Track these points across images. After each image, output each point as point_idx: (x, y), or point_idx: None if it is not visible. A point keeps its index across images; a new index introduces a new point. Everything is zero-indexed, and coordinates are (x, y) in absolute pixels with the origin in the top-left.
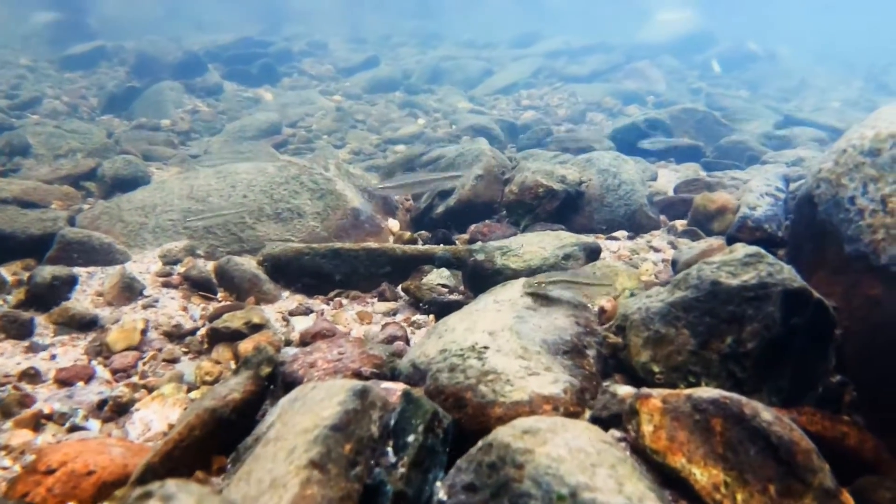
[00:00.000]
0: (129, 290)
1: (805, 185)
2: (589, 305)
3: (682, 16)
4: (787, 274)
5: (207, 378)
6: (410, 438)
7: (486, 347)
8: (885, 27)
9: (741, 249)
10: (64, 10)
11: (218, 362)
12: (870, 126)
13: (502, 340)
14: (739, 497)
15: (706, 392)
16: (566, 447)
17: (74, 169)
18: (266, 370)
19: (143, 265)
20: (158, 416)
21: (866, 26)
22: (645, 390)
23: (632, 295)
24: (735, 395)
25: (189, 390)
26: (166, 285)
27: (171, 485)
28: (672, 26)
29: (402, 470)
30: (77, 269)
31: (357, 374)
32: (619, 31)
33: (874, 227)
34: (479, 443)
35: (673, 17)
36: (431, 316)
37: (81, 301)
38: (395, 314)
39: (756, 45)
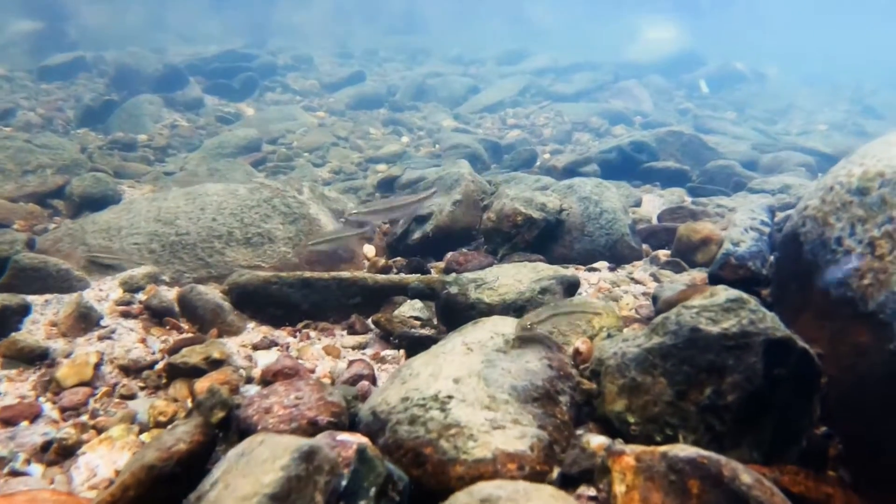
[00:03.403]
0: (84, 320)
1: (791, 222)
2: (563, 346)
3: (670, 35)
4: (771, 322)
5: (161, 418)
6: None
7: (449, 397)
8: (872, 50)
9: (722, 293)
10: (44, 19)
11: (175, 400)
12: (857, 163)
13: (468, 388)
14: None
15: (683, 450)
16: None
17: (41, 186)
18: (219, 414)
19: (103, 292)
20: (105, 461)
21: (853, 49)
22: (618, 447)
23: (608, 336)
24: (714, 455)
25: (141, 431)
26: (125, 315)
27: None
28: (660, 45)
29: None
30: (32, 297)
31: (313, 423)
32: (606, 50)
33: (862, 270)
34: None
35: (661, 37)
36: (402, 351)
37: (34, 331)
38: (364, 348)
39: (744, 66)
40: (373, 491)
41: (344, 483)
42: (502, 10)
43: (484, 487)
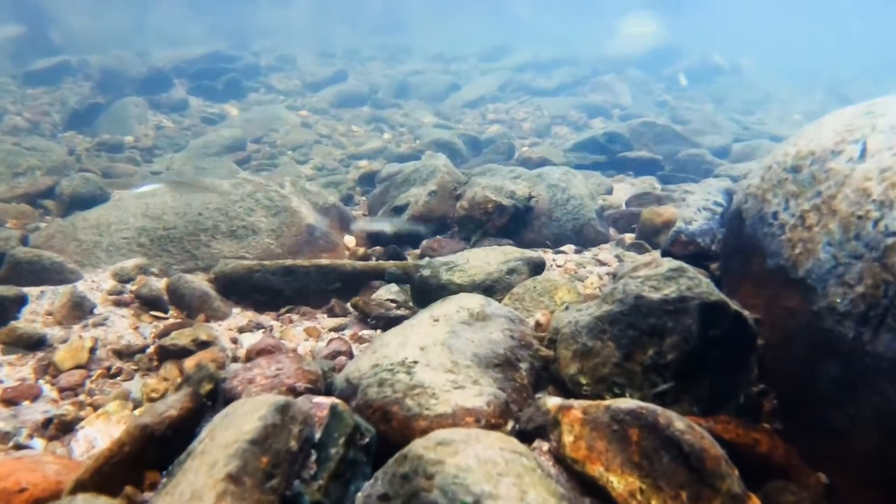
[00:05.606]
0: (79, 309)
1: (735, 201)
2: (526, 319)
3: (649, 29)
4: (706, 287)
5: (154, 395)
6: (332, 451)
7: (415, 362)
8: (847, 41)
9: (666, 264)
10: (28, 23)
11: (165, 379)
12: (793, 143)
13: (433, 355)
14: (653, 503)
15: (624, 403)
16: (476, 458)
17: (32, 187)
18: (207, 387)
19: (96, 283)
20: (102, 434)
21: (830, 39)
22: (567, 402)
23: (566, 308)
24: (651, 406)
25: (135, 408)
26: (117, 304)
27: (80, 499)
28: (639, 40)
29: (321, 482)
30: (27, 289)
31: (291, 390)
32: (587, 45)
33: (793, 241)
34: (396, 455)
35: (640, 31)
36: (378, 331)
37: (30, 320)
38: (343, 329)
39: (722, 59)
40: (342, 440)
41: (318, 436)
42: (483, 8)
43: (440, 433)
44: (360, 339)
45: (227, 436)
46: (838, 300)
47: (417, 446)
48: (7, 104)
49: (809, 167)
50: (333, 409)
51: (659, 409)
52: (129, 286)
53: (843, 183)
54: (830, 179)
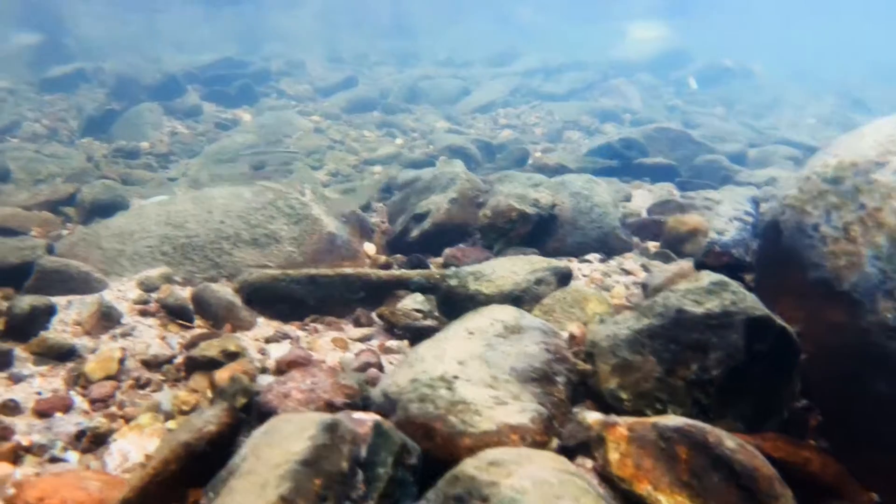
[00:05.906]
0: (107, 319)
1: (771, 211)
2: (560, 332)
3: (658, 33)
4: (751, 302)
5: (184, 407)
6: (380, 471)
7: (455, 377)
8: (853, 41)
9: (706, 277)
10: (44, 31)
11: (195, 391)
12: (832, 154)
13: (472, 369)
14: None
15: (671, 420)
16: (530, 479)
17: (53, 195)
18: (242, 401)
19: (121, 293)
20: (136, 447)
21: (834, 40)
22: (612, 418)
23: (601, 321)
24: (699, 423)
25: (166, 419)
26: (143, 313)
27: None
28: (648, 44)
29: (371, 503)
30: (55, 298)
31: (329, 405)
32: (595, 49)
33: (836, 254)
34: (447, 475)
35: (649, 35)
36: (406, 341)
37: (60, 330)
38: (369, 340)
39: (731, 62)
40: (390, 459)
41: (363, 455)
42: (490, 13)
43: (490, 452)
44: (388, 350)
45: (274, 455)
46: (888, 315)
47: (468, 467)
48: (25, 111)
49: (853, 178)
50: (378, 427)
51: (707, 426)
52: (154, 295)
53: (889, 195)
54: (875, 191)
